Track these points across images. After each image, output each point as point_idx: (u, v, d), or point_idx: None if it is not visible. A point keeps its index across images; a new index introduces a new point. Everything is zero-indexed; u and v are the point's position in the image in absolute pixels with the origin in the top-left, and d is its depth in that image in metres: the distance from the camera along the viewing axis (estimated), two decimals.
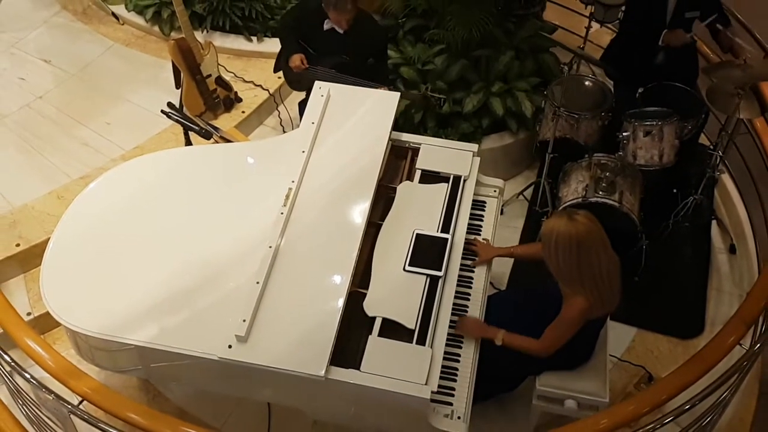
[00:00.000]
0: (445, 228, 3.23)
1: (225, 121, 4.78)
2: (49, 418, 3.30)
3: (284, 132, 4.91)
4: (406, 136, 3.63)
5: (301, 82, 4.27)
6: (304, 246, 3.10)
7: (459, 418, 2.85)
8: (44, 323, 3.86)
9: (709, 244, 4.39)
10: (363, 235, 3.12)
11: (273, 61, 4.55)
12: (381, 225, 3.22)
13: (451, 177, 3.42)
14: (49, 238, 3.26)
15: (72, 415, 3.01)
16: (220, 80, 4.78)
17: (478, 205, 3.54)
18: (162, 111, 3.83)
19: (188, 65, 4.59)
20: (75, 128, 4.80)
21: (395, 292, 3.02)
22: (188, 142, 4.00)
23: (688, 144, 4.09)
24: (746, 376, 3.37)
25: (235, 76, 5.08)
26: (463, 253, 3.24)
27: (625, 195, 3.85)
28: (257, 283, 2.95)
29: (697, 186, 4.19)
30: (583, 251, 2.81)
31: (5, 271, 4.07)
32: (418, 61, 4.48)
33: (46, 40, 5.42)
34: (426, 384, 2.74)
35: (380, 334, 2.89)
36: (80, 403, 3.04)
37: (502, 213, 3.91)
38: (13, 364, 3.14)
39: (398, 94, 3.66)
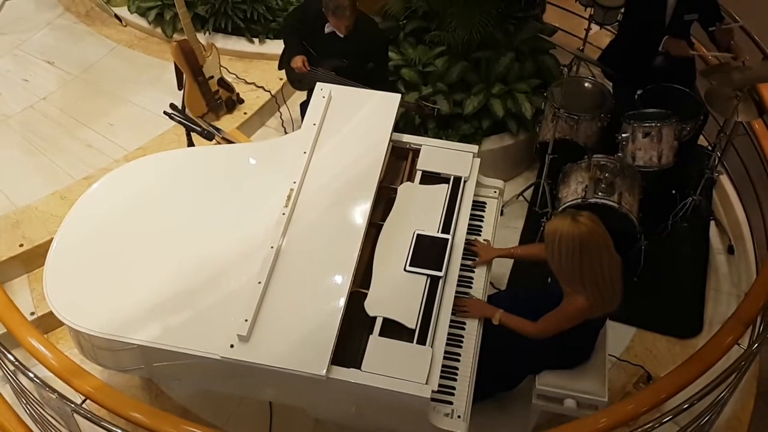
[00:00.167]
0: (446, 229, 3.24)
1: (227, 123, 4.79)
2: (52, 417, 3.30)
3: (286, 133, 4.92)
4: (406, 137, 3.64)
5: (302, 82, 4.30)
6: (306, 246, 3.11)
7: (459, 417, 2.86)
8: (47, 323, 3.88)
9: (707, 245, 4.40)
10: (364, 235, 3.13)
11: (275, 63, 4.56)
12: (382, 225, 3.23)
13: (452, 178, 3.43)
14: (52, 239, 3.27)
15: (75, 414, 3.02)
16: (222, 82, 4.79)
17: (478, 205, 3.55)
18: (164, 112, 3.84)
19: (190, 67, 4.60)
20: (78, 129, 4.81)
21: (396, 292, 3.03)
22: (190, 143, 4.01)
23: (686, 145, 4.10)
24: (744, 376, 3.38)
25: (237, 77, 5.09)
26: (463, 254, 3.25)
27: (624, 196, 3.86)
28: (259, 283, 2.95)
29: (695, 187, 4.20)
30: (586, 252, 2.82)
31: (9, 270, 4.08)
32: (418, 62, 4.50)
33: (49, 42, 5.43)
34: (426, 383, 2.75)
35: (381, 334, 2.90)
36: (83, 402, 3.05)
37: (502, 214, 3.93)
38: (16, 363, 3.16)
39: (399, 95, 3.67)
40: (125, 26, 5.53)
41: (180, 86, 4.72)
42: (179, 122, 3.85)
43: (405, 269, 3.08)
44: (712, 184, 4.49)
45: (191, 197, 3.36)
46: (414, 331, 2.91)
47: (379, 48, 4.21)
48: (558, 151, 4.12)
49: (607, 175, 3.87)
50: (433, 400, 2.79)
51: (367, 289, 3.04)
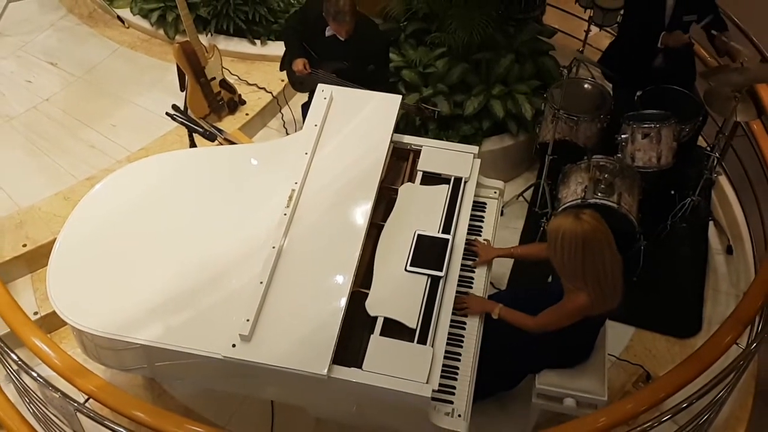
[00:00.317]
0: (446, 229, 3.25)
1: (229, 123, 4.80)
2: (55, 416, 3.31)
3: (287, 134, 4.93)
4: (407, 138, 3.65)
5: (303, 84, 4.30)
6: (307, 246, 3.12)
7: (460, 416, 2.87)
8: (51, 322, 3.89)
9: (706, 245, 4.41)
10: (365, 235, 3.14)
11: (276, 64, 4.59)
12: (383, 226, 3.24)
13: (452, 178, 3.44)
14: (55, 239, 3.28)
15: (78, 413, 3.03)
16: (224, 83, 4.80)
17: (478, 206, 3.56)
18: (167, 113, 3.86)
19: (193, 68, 4.61)
20: (81, 130, 4.82)
21: (397, 292, 3.04)
22: (192, 144, 4.03)
23: (685, 146, 4.10)
24: (743, 375, 3.39)
25: (239, 78, 5.10)
26: (463, 254, 3.26)
27: (624, 196, 3.87)
28: (261, 283, 2.96)
29: (694, 187, 4.21)
30: (588, 250, 2.83)
31: (12, 271, 4.09)
32: (419, 64, 4.51)
33: (52, 43, 5.44)
34: (427, 383, 2.76)
35: (382, 334, 2.91)
36: (86, 401, 3.07)
37: (502, 214, 3.93)
38: (20, 362, 3.17)
39: (400, 96, 3.68)
40: (128, 28, 5.54)
41: (182, 87, 4.73)
42: (181, 123, 3.87)
43: (406, 269, 3.09)
44: (711, 184, 4.50)
45: (193, 198, 3.37)
46: (415, 330, 2.92)
47: (379, 50, 4.22)
48: (558, 152, 4.13)
49: (606, 175, 3.88)
50: (433, 399, 2.80)
51: (368, 289, 3.05)
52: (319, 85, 3.69)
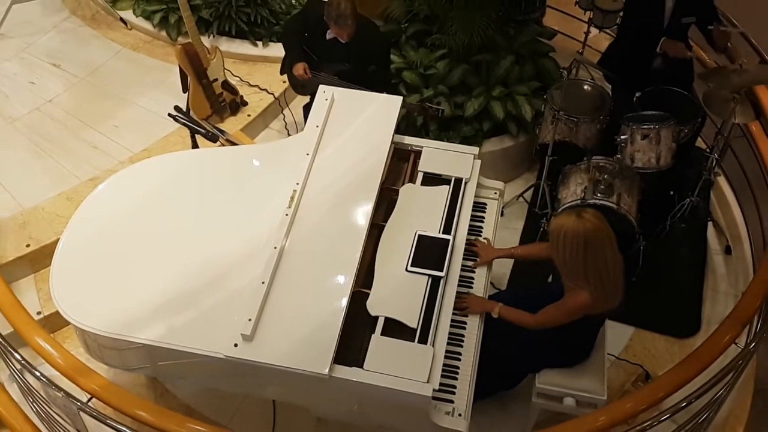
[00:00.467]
0: (447, 229, 3.26)
1: (231, 125, 4.81)
2: (58, 415, 3.32)
3: (289, 135, 4.93)
4: (408, 139, 3.66)
5: (305, 87, 4.30)
6: (309, 247, 3.13)
7: (460, 415, 2.88)
8: (54, 322, 3.89)
9: (705, 245, 4.42)
10: (366, 236, 3.15)
11: (278, 66, 4.59)
12: (384, 226, 3.25)
13: (453, 179, 3.46)
14: (58, 239, 3.29)
15: (81, 412, 3.05)
16: (226, 84, 4.82)
17: (478, 206, 3.57)
18: (169, 114, 3.87)
19: (195, 69, 4.63)
20: (84, 131, 4.83)
21: (398, 292, 3.05)
22: (195, 145, 4.04)
23: (684, 147, 4.12)
24: (741, 375, 3.40)
25: (241, 80, 5.11)
26: (464, 254, 3.27)
27: (623, 197, 3.88)
28: (262, 283, 2.97)
29: (693, 188, 4.21)
30: (590, 248, 2.84)
31: (16, 271, 4.10)
32: (420, 65, 4.52)
33: (55, 45, 5.45)
34: (428, 382, 2.77)
35: (383, 333, 2.92)
36: (89, 400, 3.07)
37: (502, 215, 3.94)
38: (23, 362, 3.19)
39: (401, 98, 3.69)
40: (130, 29, 5.55)
41: (184, 89, 4.74)
42: (184, 124, 3.88)
43: (406, 269, 3.10)
44: (710, 185, 4.50)
45: (195, 198, 3.39)
46: (415, 330, 2.93)
47: (381, 51, 4.23)
48: (557, 153, 4.15)
49: (606, 176, 3.89)
50: (434, 398, 2.81)
51: (369, 288, 3.06)
52: (321, 86, 3.70)
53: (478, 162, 3.54)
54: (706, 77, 3.89)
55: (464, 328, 3.15)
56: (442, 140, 4.16)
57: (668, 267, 4.25)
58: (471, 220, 3.40)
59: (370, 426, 3.12)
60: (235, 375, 2.99)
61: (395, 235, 3.22)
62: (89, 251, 3.23)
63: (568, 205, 3.91)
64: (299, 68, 4.16)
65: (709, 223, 4.52)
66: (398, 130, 3.62)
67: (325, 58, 4.19)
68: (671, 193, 4.35)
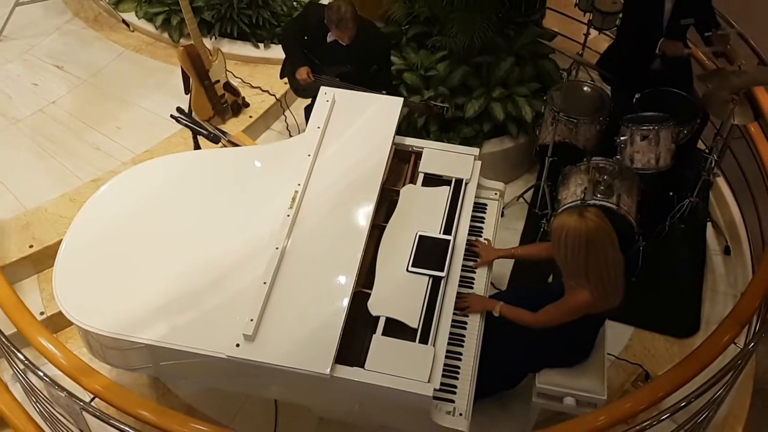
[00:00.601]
0: (447, 230, 3.27)
1: (233, 126, 4.82)
2: (61, 415, 3.33)
3: (290, 136, 4.95)
4: (409, 140, 3.67)
5: (306, 90, 4.31)
6: (310, 247, 3.14)
7: (461, 414, 2.89)
8: (57, 322, 3.91)
9: (704, 246, 4.43)
10: (367, 236, 3.16)
11: (279, 68, 4.59)
12: (385, 227, 3.26)
13: (453, 180, 3.47)
14: (61, 240, 3.31)
15: (84, 412, 3.05)
16: (228, 86, 4.83)
17: (479, 207, 3.58)
18: (171, 116, 3.88)
19: (197, 71, 4.64)
20: (87, 132, 4.84)
21: (399, 292, 3.06)
22: (197, 146, 4.05)
23: (684, 148, 4.12)
24: (740, 374, 3.41)
25: (243, 81, 5.12)
26: (464, 254, 3.28)
27: (623, 198, 3.89)
28: (264, 283, 2.99)
29: (692, 189, 4.22)
30: (592, 247, 2.85)
31: (19, 271, 4.11)
32: (420, 67, 4.53)
33: (58, 47, 5.46)
34: (429, 382, 2.78)
35: (384, 333, 2.93)
36: (92, 400, 3.09)
37: (502, 215, 3.95)
38: (26, 362, 3.20)
39: (401, 99, 3.70)
40: (133, 31, 5.57)
41: (186, 90, 4.75)
42: (186, 125, 3.89)
43: (407, 270, 3.11)
44: (709, 186, 4.51)
45: (198, 199, 3.39)
46: (416, 330, 2.94)
47: (382, 52, 4.23)
48: (557, 154, 4.16)
49: (605, 177, 3.90)
50: (435, 398, 2.82)
51: (371, 289, 3.07)
52: (322, 87, 3.71)
53: (479, 163, 3.55)
54: (705, 78, 3.90)
55: (465, 328, 3.15)
56: (443, 141, 4.17)
57: (668, 267, 4.25)
58: (471, 220, 3.41)
59: (372, 425, 3.13)
60: (237, 375, 3.00)
61: (396, 235, 3.23)
62: (92, 252, 3.24)
63: (568, 205, 3.92)
64: (302, 72, 4.16)
65: (708, 224, 4.53)
66: (399, 131, 3.63)
67: (326, 61, 4.19)
68: (671, 193, 4.36)
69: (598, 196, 3.88)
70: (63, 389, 3.05)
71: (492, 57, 4.51)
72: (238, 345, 2.86)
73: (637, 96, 4.17)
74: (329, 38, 4.13)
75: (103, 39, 5.54)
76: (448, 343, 2.99)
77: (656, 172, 3.98)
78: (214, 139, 3.83)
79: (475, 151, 3.60)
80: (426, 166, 3.54)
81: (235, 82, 4.97)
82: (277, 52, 5.17)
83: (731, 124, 3.96)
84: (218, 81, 4.77)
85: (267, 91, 5.09)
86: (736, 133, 4.27)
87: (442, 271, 3.10)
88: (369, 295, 3.05)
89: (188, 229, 3.28)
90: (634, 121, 3.95)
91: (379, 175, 3.37)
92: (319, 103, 3.64)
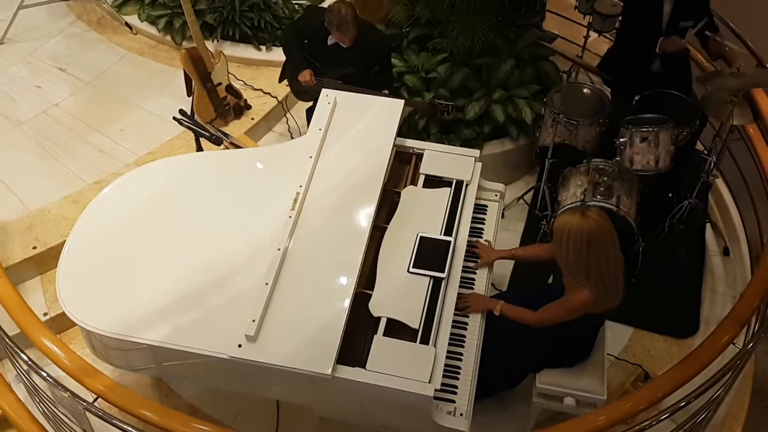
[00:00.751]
0: (448, 231, 3.28)
1: (235, 128, 4.84)
2: (65, 415, 3.33)
3: (292, 138, 4.96)
4: (410, 142, 3.69)
5: (308, 93, 4.30)
6: (312, 248, 3.15)
7: (461, 414, 2.90)
8: (60, 323, 3.92)
9: (703, 247, 4.44)
10: (368, 237, 3.17)
11: (281, 70, 4.62)
12: (386, 228, 3.28)
13: (454, 181, 3.48)
14: (64, 241, 3.32)
15: (87, 412, 3.05)
16: (230, 88, 4.84)
17: (479, 208, 3.60)
18: (174, 118, 3.88)
19: (199, 73, 4.65)
20: (90, 134, 4.85)
21: (400, 292, 3.07)
22: (199, 148, 4.06)
23: (683, 149, 4.13)
24: (739, 374, 3.42)
25: (245, 84, 5.14)
26: (465, 255, 3.29)
27: (622, 199, 3.90)
28: (266, 284, 3.00)
29: (691, 190, 4.22)
30: (593, 247, 2.86)
31: (22, 272, 4.12)
32: (421, 69, 4.54)
33: (61, 49, 5.48)
34: (429, 382, 2.79)
35: (385, 334, 2.94)
36: (95, 400, 3.10)
37: (503, 216, 3.97)
38: (30, 363, 3.18)
39: (402, 101, 3.70)
40: (136, 34, 5.59)
41: (189, 92, 4.76)
42: (188, 128, 3.90)
43: (408, 270, 3.12)
44: (708, 187, 4.49)
45: (200, 200, 3.40)
46: (417, 331, 2.95)
47: (383, 53, 4.24)
48: (557, 156, 4.16)
49: (605, 178, 3.91)
50: (436, 398, 2.83)
51: (372, 290, 3.08)
52: (324, 89, 3.72)
53: (479, 164, 3.57)
54: (704, 80, 3.91)
55: (465, 329, 3.16)
56: (443, 143, 4.18)
57: (667, 268, 4.26)
58: (472, 221, 3.42)
59: (373, 426, 3.14)
60: (239, 375, 3.01)
61: (397, 236, 3.24)
62: (95, 253, 3.25)
63: (568, 207, 3.92)
64: (305, 75, 4.16)
65: (708, 225, 4.53)
66: (400, 133, 3.64)
67: (327, 64, 4.19)
68: (670, 195, 4.36)
69: (598, 197, 3.89)
70: (66, 390, 3.06)
71: (492, 59, 4.52)
72: (240, 345, 2.87)
73: (636, 98, 4.18)
74: (330, 41, 4.13)
75: (106, 42, 5.55)
76: (449, 344, 3.00)
77: (656, 174, 3.98)
78: (217, 141, 3.84)
79: (476, 152, 3.61)
80: (427, 167, 3.55)
81: (237, 85, 4.99)
82: (279, 54, 5.16)
83: (730, 126, 3.96)
84: (220, 83, 4.78)
85: (269, 94, 5.10)
86: (735, 135, 4.27)
87: (443, 272, 3.11)
88: (370, 295, 3.06)
89: (190, 230, 3.29)
90: (633, 123, 3.95)
91: (380, 177, 3.38)
92: (321, 105, 3.65)
